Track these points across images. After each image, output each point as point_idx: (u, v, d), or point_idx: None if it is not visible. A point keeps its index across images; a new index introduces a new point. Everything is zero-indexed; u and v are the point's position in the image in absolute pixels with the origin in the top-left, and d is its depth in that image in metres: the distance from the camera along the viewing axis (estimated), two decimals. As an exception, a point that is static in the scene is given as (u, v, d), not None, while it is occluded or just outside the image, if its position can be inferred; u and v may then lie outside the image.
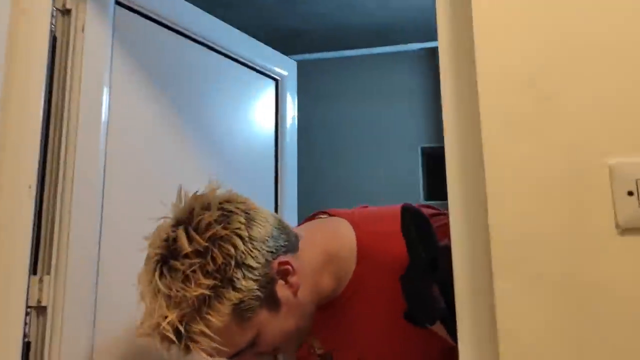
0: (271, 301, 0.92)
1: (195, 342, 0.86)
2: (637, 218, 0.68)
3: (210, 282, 0.85)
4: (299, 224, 1.21)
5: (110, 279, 1.07)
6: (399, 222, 1.06)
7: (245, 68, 1.50)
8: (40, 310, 0.96)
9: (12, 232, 0.92)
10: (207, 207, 0.92)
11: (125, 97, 1.15)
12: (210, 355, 0.88)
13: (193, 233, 0.88)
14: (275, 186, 1.58)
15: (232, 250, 0.88)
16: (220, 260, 0.87)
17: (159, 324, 0.86)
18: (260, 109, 1.56)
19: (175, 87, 1.31)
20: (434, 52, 2.97)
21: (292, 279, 0.95)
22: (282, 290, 0.94)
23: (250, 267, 0.89)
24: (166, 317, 0.85)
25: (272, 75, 1.59)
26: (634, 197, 0.68)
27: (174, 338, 0.85)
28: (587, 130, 0.71)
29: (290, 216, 1.60)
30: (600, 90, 0.71)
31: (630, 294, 0.67)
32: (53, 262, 0.98)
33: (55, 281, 0.97)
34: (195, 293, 0.85)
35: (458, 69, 0.79)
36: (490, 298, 0.71)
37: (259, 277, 0.90)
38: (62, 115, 1.02)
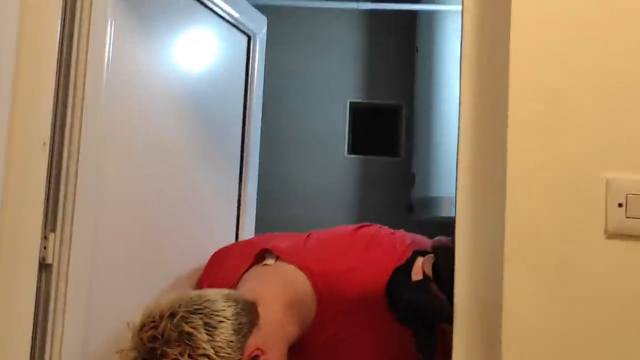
0: None
1: None
2: (623, 227, 0.82)
3: None
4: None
5: (110, 238, 1.08)
6: (352, 256, 1.13)
7: (222, 21, 1.50)
8: (45, 267, 0.96)
9: (25, 190, 0.90)
10: (167, 340, 0.92)
11: (124, 47, 1.13)
12: None
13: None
14: (242, 132, 1.63)
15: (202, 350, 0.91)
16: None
17: None
18: (232, 63, 1.56)
19: (161, 32, 1.29)
20: (369, 13, 3.03)
21: (262, 358, 1.00)
22: None
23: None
24: None
25: (246, 31, 1.60)
26: (623, 209, 0.82)
27: None
28: (592, 145, 0.83)
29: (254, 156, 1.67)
30: (607, 112, 0.83)
31: (612, 286, 0.81)
32: (59, 220, 0.97)
33: (61, 239, 0.97)
34: None
35: (488, 78, 0.88)
36: (496, 285, 0.83)
37: None
38: (68, 69, 0.99)
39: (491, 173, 0.86)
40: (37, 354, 0.95)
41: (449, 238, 1.06)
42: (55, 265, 0.96)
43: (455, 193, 0.89)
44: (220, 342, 0.94)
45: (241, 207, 1.63)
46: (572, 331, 0.82)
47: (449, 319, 0.91)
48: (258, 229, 1.77)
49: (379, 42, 3.06)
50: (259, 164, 1.73)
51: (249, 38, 1.62)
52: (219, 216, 1.53)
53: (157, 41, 1.27)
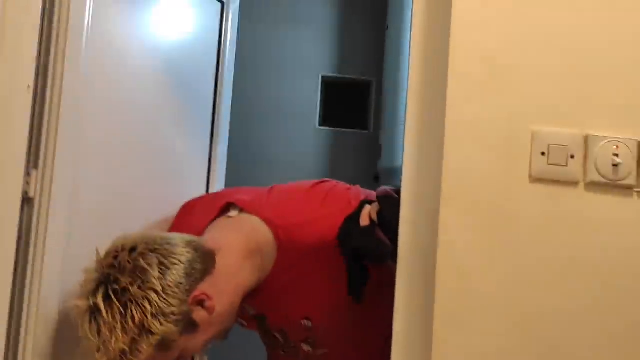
0: (189, 327, 1.09)
1: None
2: (544, 172, 0.94)
3: (128, 337, 1.01)
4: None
5: (88, 179, 1.16)
6: (310, 208, 1.23)
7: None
8: (28, 201, 1.05)
9: (10, 128, 0.98)
10: (122, 270, 1.03)
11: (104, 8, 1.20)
12: None
13: (112, 295, 1.02)
14: (214, 97, 1.71)
15: (148, 306, 1.03)
16: (137, 317, 1.02)
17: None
18: (205, 29, 1.64)
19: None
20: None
21: (208, 304, 1.11)
22: (198, 314, 1.10)
23: (165, 315, 1.04)
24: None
25: (219, -3, 1.68)
26: (545, 157, 0.94)
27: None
28: (521, 102, 0.94)
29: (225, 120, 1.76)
30: (535, 73, 0.94)
31: (535, 225, 0.93)
32: (41, 157, 1.05)
33: (43, 175, 1.05)
34: (116, 346, 1.01)
35: (430, 37, 0.98)
36: (434, 226, 0.94)
37: (176, 317, 1.05)
38: (51, 17, 1.06)
39: (433, 125, 0.97)
40: (17, 284, 1.04)
41: (392, 188, 1.17)
42: (37, 199, 1.04)
43: (403, 143, 1.00)
44: (170, 282, 1.05)
45: (211, 168, 1.72)
46: (500, 266, 0.93)
47: (393, 259, 1.02)
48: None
49: (351, 19, 3.15)
50: (230, 133, 1.81)
51: (222, 5, 1.70)
52: (190, 174, 1.62)
53: (133, 6, 1.34)
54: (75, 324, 1.04)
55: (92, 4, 1.16)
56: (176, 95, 1.51)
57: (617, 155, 0.92)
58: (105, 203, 1.22)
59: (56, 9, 1.06)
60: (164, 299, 1.04)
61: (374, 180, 2.89)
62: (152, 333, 1.03)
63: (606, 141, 0.93)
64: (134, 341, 1.02)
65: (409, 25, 2.86)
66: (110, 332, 1.00)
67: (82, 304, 1.03)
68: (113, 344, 1.00)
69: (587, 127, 0.94)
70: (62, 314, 1.11)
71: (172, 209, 1.42)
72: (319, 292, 1.22)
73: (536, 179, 0.94)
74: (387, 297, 1.28)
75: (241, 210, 1.26)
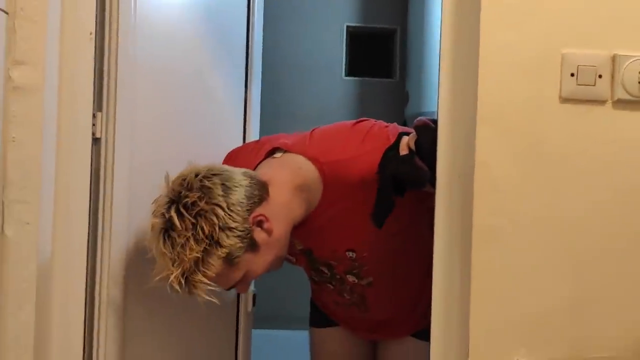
0: (252, 245, 1.20)
1: (196, 288, 1.14)
2: (574, 92, 1.00)
3: (200, 247, 1.13)
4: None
5: (144, 121, 1.26)
6: (352, 146, 1.30)
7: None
8: (95, 141, 1.15)
9: (77, 75, 1.08)
10: (190, 188, 1.15)
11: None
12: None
13: (183, 210, 1.13)
14: (246, 46, 1.79)
15: (215, 219, 1.14)
16: (207, 229, 1.13)
17: (167, 277, 1.13)
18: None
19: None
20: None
21: (266, 225, 1.22)
22: (259, 235, 1.21)
23: (231, 229, 1.16)
24: (171, 273, 1.12)
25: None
26: (574, 78, 1.00)
27: (178, 288, 1.13)
28: (552, 25, 0.99)
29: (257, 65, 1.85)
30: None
31: (565, 142, 1.00)
32: (104, 100, 1.15)
33: (107, 117, 1.15)
34: (190, 256, 1.12)
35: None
36: (470, 144, 1.02)
37: (240, 233, 1.17)
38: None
39: (467, 52, 1.03)
40: (91, 216, 1.15)
41: (429, 118, 1.23)
42: (102, 139, 1.14)
43: (439, 70, 1.06)
44: (233, 200, 1.17)
45: (247, 113, 1.79)
46: (533, 184, 1.00)
47: (431, 184, 1.10)
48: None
49: (374, -33, 3.16)
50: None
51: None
52: (229, 118, 1.70)
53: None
54: (149, 247, 1.15)
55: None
56: (213, 45, 1.58)
57: (643, 73, 0.98)
58: (158, 143, 1.32)
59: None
60: (229, 214, 1.15)
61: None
62: (220, 245, 1.14)
63: (632, 60, 0.98)
64: (205, 252, 1.13)
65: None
66: (184, 243, 1.11)
67: (157, 221, 1.14)
68: (187, 254, 1.11)
69: (614, 47, 0.99)
70: (131, 242, 1.22)
71: (214, 150, 1.51)
72: (361, 226, 1.30)
73: (566, 99, 1.00)
74: (424, 229, 1.37)
75: (286, 152, 1.34)
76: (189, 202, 1.13)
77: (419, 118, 1.24)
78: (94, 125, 1.13)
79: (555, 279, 1.01)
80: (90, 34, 1.08)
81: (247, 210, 1.18)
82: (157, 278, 1.15)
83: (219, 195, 1.15)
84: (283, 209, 1.26)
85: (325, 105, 3.14)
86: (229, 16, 1.68)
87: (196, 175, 1.16)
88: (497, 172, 1.01)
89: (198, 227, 1.12)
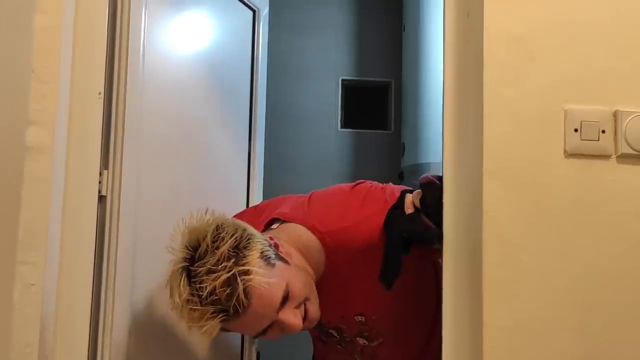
0: (281, 258, 1.16)
1: (247, 279, 1.06)
2: (578, 147, 1.01)
3: (232, 239, 1.10)
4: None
5: (150, 178, 1.26)
6: (352, 212, 1.29)
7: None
8: (100, 199, 1.14)
9: (85, 133, 1.08)
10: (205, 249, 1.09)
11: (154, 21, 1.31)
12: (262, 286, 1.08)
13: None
14: (250, 102, 1.81)
15: (235, 226, 1.13)
16: (234, 226, 1.12)
17: (210, 293, 1.05)
18: (240, 36, 1.74)
19: (182, 12, 1.47)
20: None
21: (282, 249, 1.19)
22: (285, 255, 1.18)
23: (256, 235, 1.15)
24: (219, 276, 1.05)
25: (251, 5, 1.77)
26: (578, 133, 1.02)
27: (227, 287, 1.05)
28: (554, 83, 1.02)
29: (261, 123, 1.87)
30: (566, 55, 1.02)
31: (571, 196, 1.01)
32: (110, 158, 1.15)
33: (112, 175, 1.15)
34: (226, 246, 1.08)
35: (463, 31, 1.07)
36: (476, 198, 1.03)
37: (267, 242, 1.15)
38: (114, 34, 1.17)
39: (471, 107, 1.05)
40: (96, 272, 1.13)
41: (433, 175, 1.24)
42: (108, 196, 1.14)
43: (442, 125, 1.08)
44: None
45: (250, 165, 1.80)
46: (540, 236, 1.01)
47: (439, 240, 1.10)
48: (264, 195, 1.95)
49: (368, 22, 3.25)
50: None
51: (254, 13, 1.80)
52: (233, 171, 1.71)
53: (179, 19, 1.44)
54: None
55: (146, 21, 1.26)
56: (218, 99, 1.61)
57: (645, 128, 1.00)
58: (163, 199, 1.32)
59: (117, 27, 1.18)
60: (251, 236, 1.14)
61: (399, 178, 2.96)
62: (250, 245, 1.11)
63: (634, 116, 1.01)
64: (237, 249, 1.09)
65: (426, 24, 2.95)
66: (216, 259, 1.07)
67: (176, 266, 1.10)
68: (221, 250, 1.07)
69: (616, 103, 1.02)
70: (135, 301, 1.21)
71: (219, 203, 1.50)
72: (369, 290, 1.28)
73: (571, 154, 1.01)
74: (428, 287, 1.35)
75: (284, 222, 1.32)
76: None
77: (423, 175, 1.24)
78: (100, 182, 1.13)
79: (564, 334, 1.00)
80: (100, 93, 1.09)
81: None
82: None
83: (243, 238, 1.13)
84: (301, 269, 1.23)
85: (321, 156, 3.16)
86: (233, 71, 1.72)
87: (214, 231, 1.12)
88: (505, 224, 1.01)
89: (221, 233, 1.10)
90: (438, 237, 1.13)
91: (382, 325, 1.35)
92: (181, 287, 1.06)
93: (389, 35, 3.20)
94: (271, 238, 1.19)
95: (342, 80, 3.22)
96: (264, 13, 1.84)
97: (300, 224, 1.27)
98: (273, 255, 1.14)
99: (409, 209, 1.24)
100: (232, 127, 1.69)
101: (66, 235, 1.06)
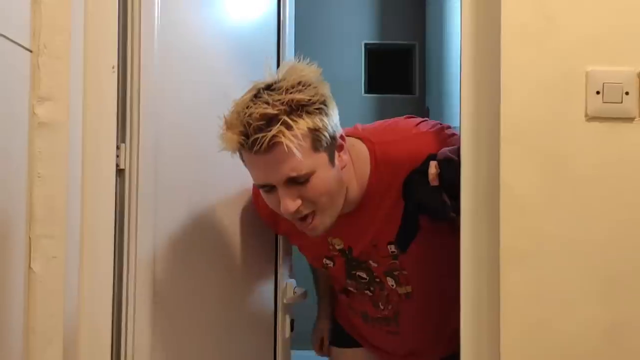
0: (330, 155, 1.15)
1: (282, 133, 1.06)
2: (600, 110, 0.98)
3: (309, 97, 1.10)
4: None
5: (168, 151, 1.26)
6: (404, 131, 1.29)
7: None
8: (119, 172, 1.15)
9: (101, 107, 1.09)
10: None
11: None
12: (288, 149, 1.07)
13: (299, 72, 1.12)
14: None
15: (327, 96, 1.13)
16: (317, 92, 1.11)
17: (251, 114, 1.07)
18: (263, 5, 1.70)
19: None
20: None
21: (343, 155, 1.18)
22: (337, 158, 1.17)
23: (329, 116, 1.14)
24: (266, 109, 1.06)
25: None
26: (600, 96, 0.98)
27: (262, 124, 1.06)
28: (574, 44, 0.98)
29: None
30: (586, 16, 0.98)
31: (592, 161, 0.98)
32: (127, 132, 1.16)
33: (130, 148, 1.16)
34: (297, 97, 1.08)
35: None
36: (495, 165, 1.00)
37: (332, 130, 1.14)
38: (126, 6, 1.16)
39: (489, 70, 1.02)
40: (117, 247, 1.15)
41: (451, 148, 1.21)
42: (127, 170, 1.15)
43: (460, 89, 1.05)
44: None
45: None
46: (560, 204, 0.98)
47: (456, 213, 1.08)
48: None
49: (390, -16, 3.18)
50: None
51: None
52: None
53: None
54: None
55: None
56: (242, 68, 1.57)
57: (671, 88, 0.96)
58: (183, 172, 1.33)
59: (129, 8, 1.17)
60: (333, 109, 1.17)
61: (424, 142, 2.92)
62: (323, 112, 1.12)
63: (660, 75, 0.96)
64: (309, 103, 1.10)
65: (449, -15, 2.87)
66: (290, 90, 1.10)
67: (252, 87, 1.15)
68: (292, 95, 1.09)
69: (640, 63, 0.98)
70: (158, 273, 1.23)
71: (240, 178, 1.50)
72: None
73: (592, 118, 0.98)
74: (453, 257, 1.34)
75: None
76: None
77: (441, 150, 1.22)
78: (117, 156, 1.14)
79: (587, 301, 0.98)
80: (113, 67, 1.10)
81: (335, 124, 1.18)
82: (235, 117, 1.10)
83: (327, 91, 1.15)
84: (346, 173, 1.22)
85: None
86: (259, 40, 1.68)
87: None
88: (523, 193, 0.99)
89: (311, 88, 1.11)
90: (455, 211, 1.12)
91: (411, 267, 1.34)
92: (244, 97, 1.12)
93: (412, -2, 3.13)
94: (343, 138, 1.19)
95: (366, 44, 3.18)
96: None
97: (352, 136, 1.28)
98: (324, 143, 1.13)
99: (433, 182, 1.21)
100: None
101: (86, 209, 1.07)
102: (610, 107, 0.98)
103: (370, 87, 3.18)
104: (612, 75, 0.98)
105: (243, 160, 1.18)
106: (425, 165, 1.23)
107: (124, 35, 1.16)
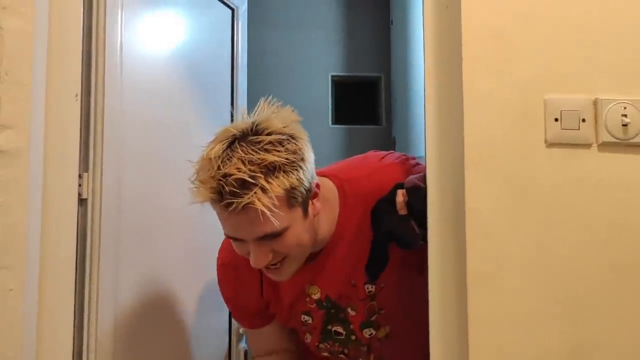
0: (305, 208, 1.13)
1: (258, 197, 1.02)
2: (559, 136, 1.00)
3: (287, 156, 1.06)
4: None
5: (130, 178, 1.25)
6: (370, 165, 1.29)
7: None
8: (81, 202, 1.13)
9: (63, 135, 1.07)
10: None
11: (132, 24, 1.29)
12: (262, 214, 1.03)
13: (276, 123, 1.09)
14: (231, 99, 1.79)
15: (304, 149, 1.11)
16: (294, 148, 1.09)
17: (226, 174, 1.02)
18: (219, 34, 1.73)
19: (160, 10, 1.46)
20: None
21: (317, 203, 1.17)
22: (310, 207, 1.16)
23: (306, 170, 1.11)
24: (239, 169, 1.02)
25: (230, 4, 1.76)
26: (558, 122, 1.01)
27: (237, 187, 1.02)
28: (533, 73, 1.01)
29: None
30: (543, 46, 1.01)
31: (552, 185, 1.00)
32: (90, 161, 1.14)
33: (93, 177, 1.14)
34: (273, 158, 1.04)
35: (442, 24, 1.06)
36: (459, 190, 1.02)
37: (308, 183, 1.11)
38: (90, 35, 1.16)
39: (452, 100, 1.04)
40: (78, 275, 1.12)
41: (418, 176, 1.22)
42: (89, 199, 1.13)
43: (425, 119, 1.07)
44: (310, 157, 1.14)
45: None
46: (522, 228, 1.00)
47: (424, 240, 1.08)
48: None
49: (356, 17, 3.24)
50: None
51: (233, 11, 1.79)
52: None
53: (157, 19, 1.43)
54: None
55: (123, 21, 1.25)
56: (198, 98, 1.60)
57: (625, 115, 0.99)
58: (145, 200, 1.31)
59: (93, 28, 1.17)
60: (309, 158, 1.13)
61: (391, 172, 2.95)
62: (298, 168, 1.08)
63: (614, 103, 1.00)
64: (287, 163, 1.06)
65: (413, 18, 2.94)
66: (269, 148, 1.06)
67: (225, 134, 1.11)
68: (272, 155, 1.05)
69: (596, 92, 1.01)
70: (119, 304, 1.20)
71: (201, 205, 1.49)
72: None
73: (551, 144, 1.00)
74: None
75: None
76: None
77: (408, 178, 1.22)
78: (80, 185, 1.12)
79: (550, 326, 0.99)
80: (76, 95, 1.08)
81: (312, 175, 1.14)
82: (207, 175, 1.04)
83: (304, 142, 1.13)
84: (319, 217, 1.21)
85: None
86: (213, 70, 1.70)
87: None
88: (487, 217, 1.00)
89: (288, 142, 1.08)
90: (423, 237, 1.12)
91: (388, 303, 1.32)
92: (216, 147, 1.08)
93: (378, 30, 3.20)
94: (318, 186, 1.17)
95: (332, 76, 3.22)
96: (243, 10, 1.83)
97: (319, 175, 1.25)
98: (300, 199, 1.11)
99: (402, 210, 1.21)
100: (212, 127, 1.67)
101: (46, 239, 1.05)
102: (568, 134, 1.00)
103: (338, 118, 3.21)
104: (569, 103, 1.01)
105: (213, 208, 1.14)
106: (392, 194, 1.23)
107: (88, 63, 1.15)
